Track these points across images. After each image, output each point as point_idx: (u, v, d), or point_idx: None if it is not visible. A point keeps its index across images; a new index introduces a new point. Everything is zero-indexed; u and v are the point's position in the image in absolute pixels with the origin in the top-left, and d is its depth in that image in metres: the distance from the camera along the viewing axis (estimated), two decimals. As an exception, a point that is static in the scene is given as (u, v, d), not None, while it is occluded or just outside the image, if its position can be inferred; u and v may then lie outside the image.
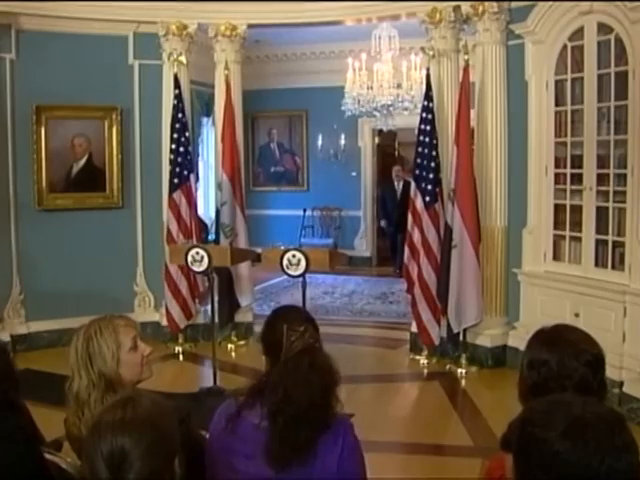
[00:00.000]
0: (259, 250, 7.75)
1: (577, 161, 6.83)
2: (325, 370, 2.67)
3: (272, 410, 2.61)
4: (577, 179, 6.84)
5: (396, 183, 13.55)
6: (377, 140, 14.48)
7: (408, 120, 10.37)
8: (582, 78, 6.67)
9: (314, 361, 2.67)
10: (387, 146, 15.63)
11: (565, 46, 6.84)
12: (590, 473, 1.55)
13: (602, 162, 6.57)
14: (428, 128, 7.49)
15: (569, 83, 6.85)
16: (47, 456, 2.84)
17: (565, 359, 2.41)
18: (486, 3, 7.26)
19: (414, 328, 7.85)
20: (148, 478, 1.90)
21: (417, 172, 7.58)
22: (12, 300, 8.09)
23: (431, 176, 7.44)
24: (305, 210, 14.19)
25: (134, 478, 1.89)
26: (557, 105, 7.02)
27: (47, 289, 8.14)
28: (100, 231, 8.42)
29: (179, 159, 8.16)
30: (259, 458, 2.57)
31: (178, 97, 8.12)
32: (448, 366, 7.52)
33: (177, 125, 8.14)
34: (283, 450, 2.55)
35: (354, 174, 14.04)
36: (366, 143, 14.15)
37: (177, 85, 8.11)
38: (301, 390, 2.61)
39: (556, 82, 7.00)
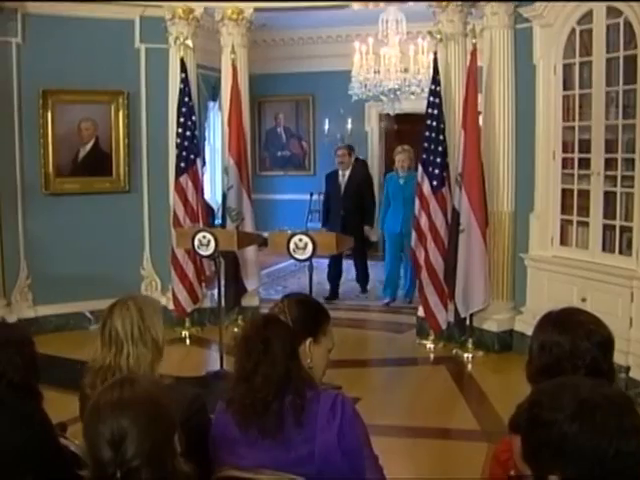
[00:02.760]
0: (266, 234, 7.75)
1: (585, 146, 6.80)
2: (273, 329, 2.70)
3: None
4: (585, 164, 6.81)
5: (341, 172, 10.17)
6: (383, 124, 14.30)
7: (415, 104, 10.35)
8: (590, 62, 6.63)
9: (263, 325, 2.72)
10: (407, 131, 14.68)
11: (573, 30, 6.79)
12: (598, 455, 1.56)
13: (610, 147, 6.54)
14: (435, 112, 7.47)
15: (577, 67, 6.81)
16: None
17: (577, 340, 2.42)
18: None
19: (421, 312, 7.86)
20: (148, 454, 1.93)
21: (424, 156, 7.56)
22: (19, 284, 8.12)
23: (438, 160, 7.42)
24: (312, 194, 14.14)
25: (134, 454, 1.92)
26: (565, 89, 6.98)
27: (54, 273, 8.16)
28: (107, 215, 8.43)
29: (186, 143, 8.15)
30: (259, 442, 2.60)
31: (184, 81, 8.10)
32: (455, 350, 7.52)
33: (183, 109, 8.12)
34: (268, 421, 2.59)
35: (361, 158, 13.96)
36: (373, 127, 14.09)
37: (183, 69, 8.09)
38: (243, 354, 2.67)
39: (564, 66, 6.96)
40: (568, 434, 1.58)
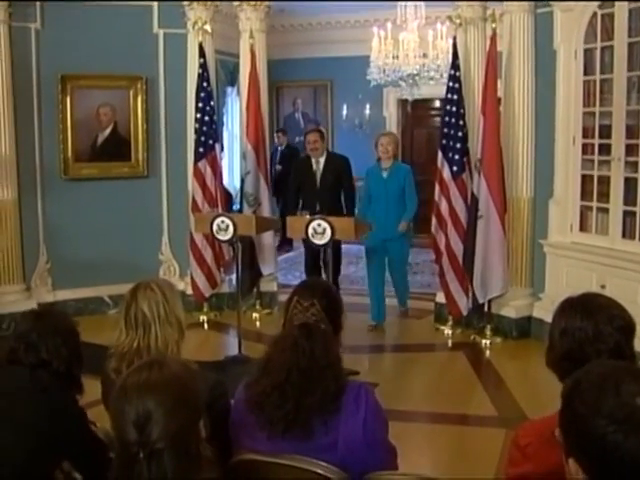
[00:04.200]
0: (282, 220, 7.74)
1: (605, 131, 6.74)
2: (317, 347, 2.66)
3: (267, 383, 2.65)
4: (605, 149, 6.76)
5: (314, 160, 8.42)
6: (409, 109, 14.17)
7: (434, 90, 10.31)
8: (612, 47, 6.57)
9: (306, 336, 2.68)
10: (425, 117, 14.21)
11: (595, 14, 6.73)
12: (610, 456, 1.53)
13: (631, 132, 6.48)
14: (455, 97, 7.42)
15: (598, 52, 6.75)
16: None
17: (600, 325, 2.40)
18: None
19: (439, 298, 7.86)
20: (173, 437, 1.93)
21: (444, 142, 7.52)
22: (39, 269, 8.17)
23: (458, 146, 7.37)
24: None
25: (159, 436, 1.92)
26: (586, 74, 6.92)
27: (73, 258, 8.21)
28: (125, 200, 8.46)
29: (204, 128, 8.15)
30: (278, 433, 2.61)
31: (203, 66, 8.09)
32: (473, 337, 7.52)
33: (202, 94, 8.12)
34: (284, 422, 2.59)
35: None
36: (391, 113, 14.03)
37: (202, 54, 8.07)
38: (280, 363, 2.64)
39: (585, 51, 6.89)
40: (589, 429, 1.56)
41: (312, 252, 8.21)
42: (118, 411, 1.99)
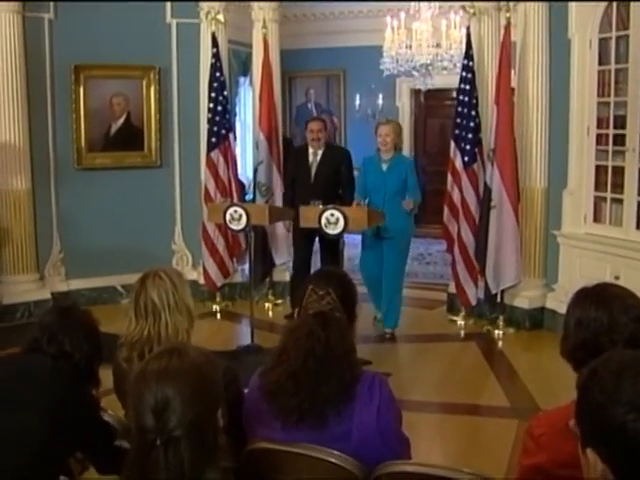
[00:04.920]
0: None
1: (620, 121, 6.71)
2: (333, 335, 2.67)
3: (281, 371, 2.67)
4: (620, 140, 6.72)
5: (312, 150, 7.80)
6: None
7: (447, 80, 10.27)
8: (627, 36, 6.52)
9: (321, 325, 2.68)
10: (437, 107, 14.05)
11: (610, 3, 6.69)
12: (628, 443, 1.53)
13: (646, 123, 6.46)
14: (468, 87, 7.40)
15: (613, 41, 6.70)
16: None
17: (615, 315, 2.40)
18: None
19: (451, 289, 7.85)
20: (190, 425, 1.94)
21: (457, 132, 7.51)
22: (52, 258, 8.21)
23: (470, 136, 7.36)
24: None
25: (176, 424, 1.93)
26: (600, 64, 6.88)
27: (86, 247, 8.24)
28: (138, 190, 8.47)
29: (217, 118, 8.15)
30: (292, 422, 2.62)
31: (216, 56, 8.09)
32: (485, 327, 7.51)
33: (215, 84, 8.12)
34: (299, 411, 2.61)
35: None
36: (404, 103, 13.98)
37: (215, 44, 8.08)
38: (295, 351, 2.65)
39: (600, 40, 6.85)
40: (608, 417, 1.55)
41: (304, 247, 7.95)
42: (136, 397, 1.99)
